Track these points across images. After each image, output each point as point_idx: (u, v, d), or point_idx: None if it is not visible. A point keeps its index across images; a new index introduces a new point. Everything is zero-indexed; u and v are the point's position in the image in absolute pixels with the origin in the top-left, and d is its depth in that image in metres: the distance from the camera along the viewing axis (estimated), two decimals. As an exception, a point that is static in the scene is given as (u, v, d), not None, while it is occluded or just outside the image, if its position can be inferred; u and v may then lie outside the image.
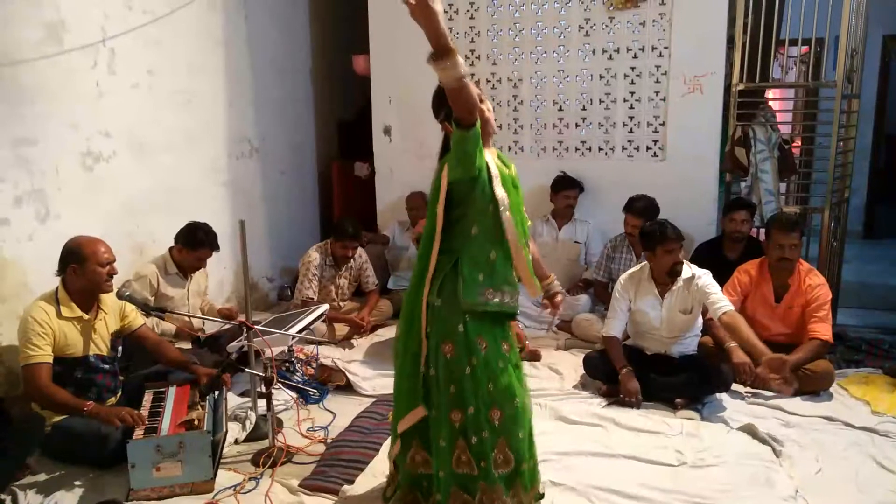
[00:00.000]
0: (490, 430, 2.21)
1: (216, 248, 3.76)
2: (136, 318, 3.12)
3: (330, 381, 3.65)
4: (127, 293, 2.95)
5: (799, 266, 3.54)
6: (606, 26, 4.67)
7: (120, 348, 3.09)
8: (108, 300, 2.99)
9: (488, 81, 4.95)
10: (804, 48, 4.63)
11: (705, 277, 3.36)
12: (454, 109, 1.98)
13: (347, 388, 3.61)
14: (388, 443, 2.90)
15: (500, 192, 2.18)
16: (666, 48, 4.55)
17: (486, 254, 2.19)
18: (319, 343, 3.83)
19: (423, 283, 2.21)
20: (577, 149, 4.89)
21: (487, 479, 2.22)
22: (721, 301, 3.25)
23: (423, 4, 1.77)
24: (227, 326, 3.73)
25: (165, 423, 2.67)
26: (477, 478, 2.22)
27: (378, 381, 3.62)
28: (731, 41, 4.43)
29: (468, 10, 4.92)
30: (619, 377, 3.35)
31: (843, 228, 4.57)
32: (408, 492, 2.37)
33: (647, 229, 3.45)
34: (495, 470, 2.23)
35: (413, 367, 2.25)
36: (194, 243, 3.68)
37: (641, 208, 4.19)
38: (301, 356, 3.67)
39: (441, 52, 1.86)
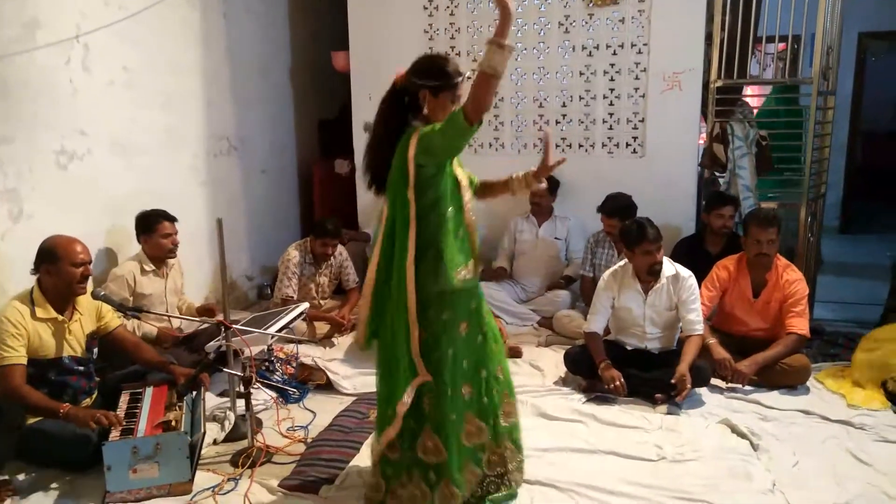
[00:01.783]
0: (495, 393, 2.44)
1: (172, 218, 3.71)
2: (113, 319, 3.08)
3: (310, 380, 3.63)
4: (103, 293, 2.90)
5: (776, 261, 3.57)
6: (586, 23, 4.68)
7: (95, 349, 3.04)
8: (84, 301, 2.95)
9: (469, 78, 4.92)
10: (781, 45, 4.66)
11: (691, 283, 3.40)
12: (474, 100, 1.99)
13: (328, 386, 3.58)
14: (369, 442, 2.88)
15: (458, 171, 2.33)
16: (645, 45, 4.57)
17: (457, 232, 2.27)
18: (299, 342, 3.81)
19: (403, 269, 2.21)
20: (557, 145, 4.89)
21: (496, 438, 2.43)
22: (696, 323, 3.37)
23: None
24: (204, 326, 3.69)
25: (142, 425, 2.63)
26: (484, 444, 2.41)
27: (359, 380, 3.60)
28: (709, 38, 4.46)
29: (448, 7, 4.91)
30: (599, 371, 3.36)
31: (819, 224, 4.62)
32: (411, 484, 2.35)
33: (626, 229, 3.46)
34: (504, 421, 2.46)
35: (405, 346, 2.24)
36: (148, 226, 3.66)
37: (612, 208, 4.20)
38: (281, 355, 3.64)
39: (504, 41, 1.94)
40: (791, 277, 3.53)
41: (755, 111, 4.76)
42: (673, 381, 3.19)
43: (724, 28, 4.35)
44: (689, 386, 3.18)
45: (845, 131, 7.15)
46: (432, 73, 2.25)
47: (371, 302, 2.31)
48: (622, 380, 3.28)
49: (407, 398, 2.24)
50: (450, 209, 2.25)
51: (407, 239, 2.20)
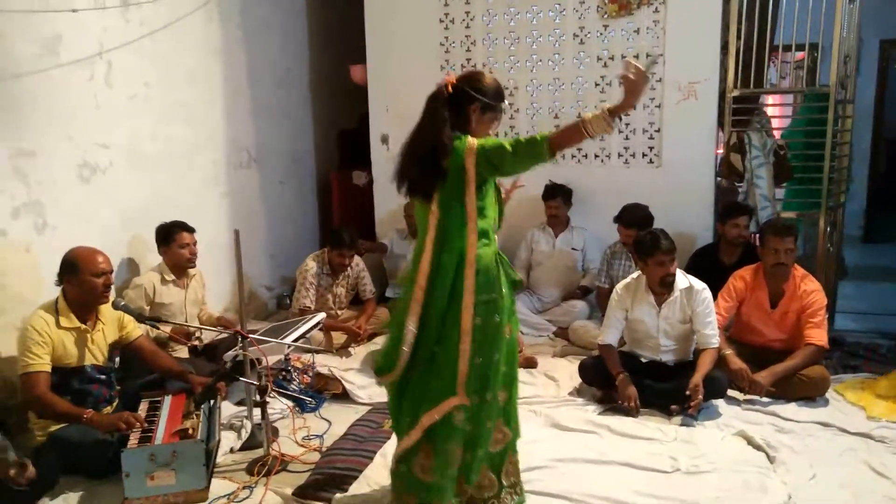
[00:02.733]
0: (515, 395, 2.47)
1: (190, 229, 3.78)
2: (135, 329, 3.14)
3: (326, 390, 3.66)
4: (122, 303, 2.97)
5: (794, 271, 3.54)
6: (601, 34, 4.70)
7: (117, 359, 3.10)
8: (107, 311, 3.01)
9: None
10: (800, 54, 4.64)
11: (706, 295, 3.38)
12: (562, 141, 2.15)
13: (344, 396, 3.61)
14: (384, 450, 2.92)
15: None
16: (660, 55, 4.57)
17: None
18: (316, 352, 3.84)
19: (461, 274, 2.23)
20: (573, 156, 4.90)
21: (513, 446, 2.46)
22: (711, 336, 3.35)
23: (642, 84, 2.09)
24: (223, 336, 3.75)
25: (160, 433, 2.68)
26: (506, 449, 2.43)
27: (374, 390, 3.62)
28: (724, 47, 4.45)
29: (464, 20, 4.96)
30: (616, 383, 3.35)
31: (839, 233, 4.57)
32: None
33: (640, 240, 3.46)
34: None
35: (452, 356, 2.25)
36: (166, 237, 3.73)
37: (630, 219, 4.20)
38: (298, 365, 3.68)
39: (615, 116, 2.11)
40: (809, 288, 3.49)
41: (777, 121, 4.73)
42: (687, 392, 3.17)
43: (739, 37, 4.34)
44: (701, 397, 3.16)
45: (867, 140, 7.06)
46: (489, 91, 2.29)
47: (420, 309, 2.26)
48: (637, 401, 3.28)
49: (437, 415, 2.25)
50: (493, 212, 2.32)
51: (464, 240, 2.23)
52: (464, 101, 2.28)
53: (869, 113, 6.99)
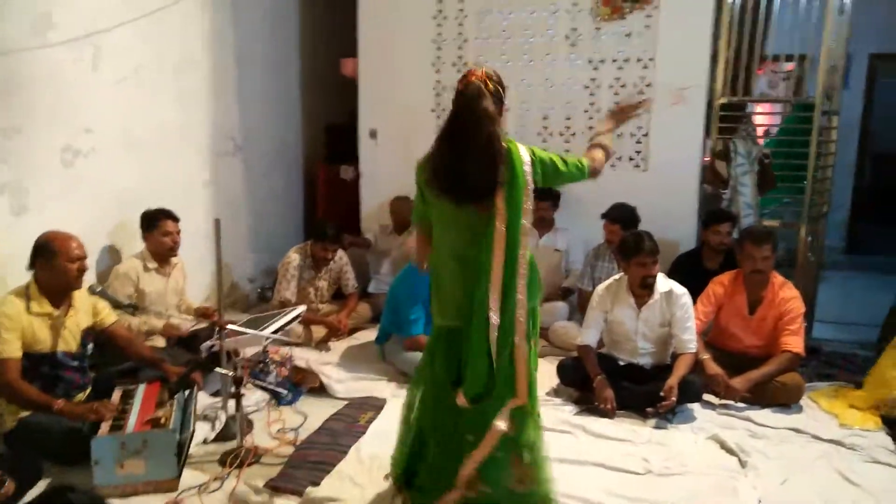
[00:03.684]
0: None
1: (174, 217, 3.75)
2: (109, 315, 3.11)
3: (304, 383, 3.64)
4: (99, 289, 2.94)
5: (773, 279, 3.56)
6: (593, 36, 4.70)
7: (91, 345, 3.07)
8: (80, 296, 2.98)
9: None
10: (789, 65, 4.67)
11: (685, 300, 3.39)
12: (601, 164, 2.44)
13: (321, 390, 3.59)
14: (359, 444, 2.93)
15: None
16: (651, 60, 4.59)
17: None
18: (295, 345, 3.83)
19: (514, 287, 2.18)
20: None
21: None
22: (689, 341, 3.37)
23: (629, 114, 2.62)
24: (203, 326, 3.72)
25: (132, 421, 2.65)
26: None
27: (352, 385, 3.62)
28: (715, 55, 4.47)
29: (457, 17, 4.94)
30: (593, 385, 3.36)
31: (820, 244, 4.60)
32: None
33: (624, 240, 3.48)
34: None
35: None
36: (150, 224, 3.70)
37: (618, 215, 4.21)
38: (276, 357, 3.65)
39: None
40: (787, 295, 3.51)
41: (766, 130, 4.76)
42: (661, 393, 3.18)
43: (730, 45, 4.36)
44: (674, 398, 3.17)
45: (853, 152, 7.11)
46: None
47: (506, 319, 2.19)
48: (614, 403, 3.28)
49: (503, 424, 2.20)
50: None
51: (517, 253, 2.19)
52: (499, 100, 2.25)
53: (856, 126, 7.05)
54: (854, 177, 7.20)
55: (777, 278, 3.57)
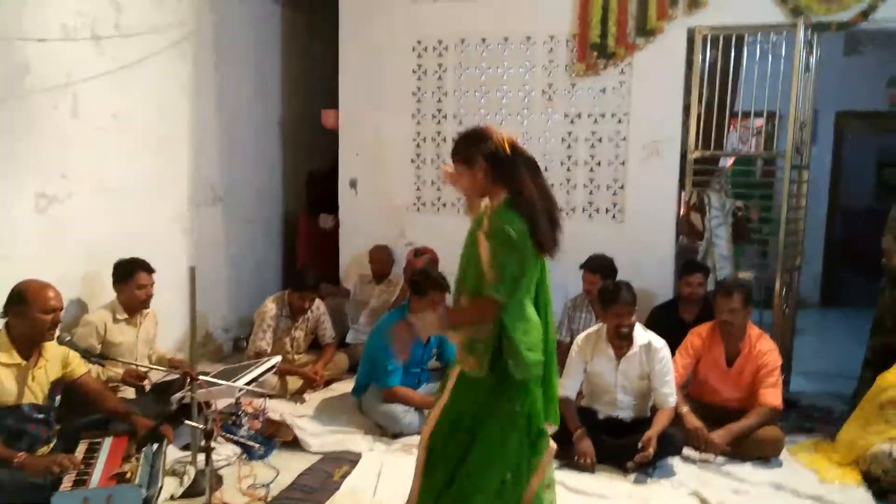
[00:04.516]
0: None
1: (149, 269, 3.68)
2: (79, 366, 3.02)
3: (277, 437, 3.55)
4: (68, 338, 2.87)
5: (749, 331, 3.58)
6: (568, 92, 4.82)
7: (58, 397, 2.98)
8: (51, 347, 2.89)
9: (454, 140, 5.03)
10: (759, 121, 4.81)
11: (664, 354, 3.40)
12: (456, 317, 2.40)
13: (294, 444, 3.51)
14: (334, 501, 2.84)
15: None
16: (625, 114, 4.71)
17: None
18: (269, 396, 3.75)
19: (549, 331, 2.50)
20: (538, 209, 4.95)
21: None
22: (669, 395, 3.36)
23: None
24: (174, 377, 3.63)
25: (96, 476, 2.55)
26: None
27: (327, 438, 3.54)
28: (687, 110, 4.60)
29: (436, 71, 5.05)
30: (573, 438, 3.31)
31: (794, 296, 4.66)
32: None
33: (604, 287, 3.50)
34: None
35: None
36: (124, 275, 3.63)
37: (598, 265, 4.25)
38: (249, 409, 3.57)
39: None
40: (764, 348, 3.53)
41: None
42: (640, 444, 3.14)
43: (701, 101, 4.49)
44: (652, 450, 3.14)
45: (824, 206, 7.30)
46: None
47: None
48: (594, 457, 3.25)
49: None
50: None
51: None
52: None
53: (826, 181, 7.25)
54: (825, 229, 7.35)
55: (754, 330, 3.60)
